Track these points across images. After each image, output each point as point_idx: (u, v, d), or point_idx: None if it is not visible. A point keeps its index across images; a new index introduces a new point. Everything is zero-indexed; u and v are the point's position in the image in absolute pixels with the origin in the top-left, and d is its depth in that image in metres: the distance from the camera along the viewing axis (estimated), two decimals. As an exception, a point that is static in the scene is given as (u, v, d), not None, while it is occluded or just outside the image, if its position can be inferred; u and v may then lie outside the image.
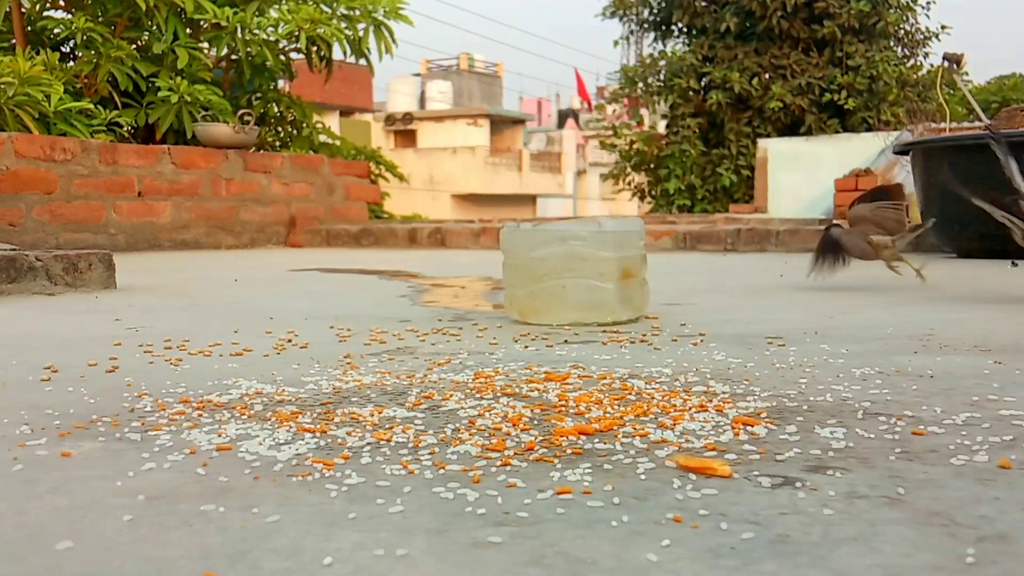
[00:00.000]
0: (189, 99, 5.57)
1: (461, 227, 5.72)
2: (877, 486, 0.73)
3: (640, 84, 11.51)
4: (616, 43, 12.32)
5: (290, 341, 1.62)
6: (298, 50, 6.20)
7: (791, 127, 10.63)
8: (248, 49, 5.95)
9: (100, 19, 5.73)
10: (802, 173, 8.73)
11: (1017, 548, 0.60)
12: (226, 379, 1.24)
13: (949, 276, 3.03)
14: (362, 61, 6.46)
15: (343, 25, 6.25)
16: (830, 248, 2.56)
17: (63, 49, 5.95)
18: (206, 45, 6.10)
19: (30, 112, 4.73)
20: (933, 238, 4.21)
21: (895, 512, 0.67)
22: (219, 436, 0.91)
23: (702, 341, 1.58)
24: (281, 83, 7.05)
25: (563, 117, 39.43)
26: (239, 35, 5.92)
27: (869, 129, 9.98)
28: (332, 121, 20.77)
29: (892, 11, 10.66)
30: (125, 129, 5.56)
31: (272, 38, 6.08)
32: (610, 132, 12.29)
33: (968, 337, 1.57)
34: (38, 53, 5.22)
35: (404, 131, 29.91)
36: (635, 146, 11.75)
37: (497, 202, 26.81)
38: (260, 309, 2.21)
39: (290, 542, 0.60)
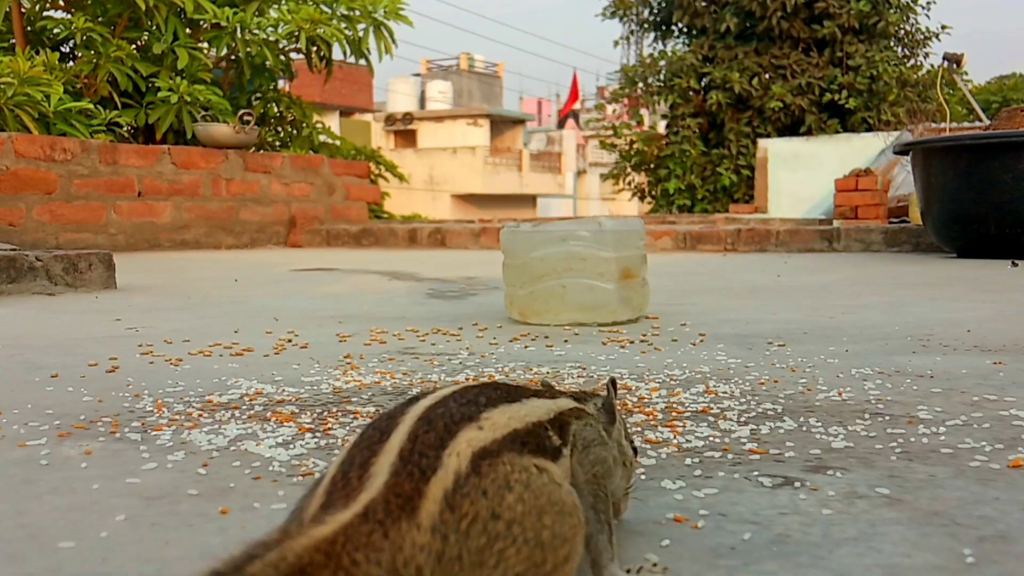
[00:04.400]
0: (189, 99, 5.57)
1: (461, 227, 5.72)
2: (877, 486, 0.73)
3: (640, 84, 11.51)
4: (616, 43, 12.33)
5: (290, 341, 1.62)
6: (298, 50, 6.20)
7: (791, 127, 10.63)
8: (248, 49, 5.95)
9: (100, 19, 5.73)
10: (802, 173, 8.73)
11: (1017, 548, 0.60)
12: (226, 379, 1.24)
13: (949, 276, 3.03)
14: (362, 61, 6.46)
15: (343, 25, 6.25)
16: None
17: (63, 49, 5.94)
18: (206, 45, 6.10)
19: (29, 112, 4.73)
20: (933, 238, 4.21)
21: (895, 512, 0.67)
22: (219, 436, 0.91)
23: (702, 341, 1.58)
24: (281, 83, 7.05)
25: (563, 117, 39.38)
26: (239, 35, 5.92)
27: (869, 129, 9.99)
28: (332, 121, 20.76)
29: (892, 11, 10.66)
30: (125, 129, 5.56)
31: (272, 38, 6.08)
32: (610, 132, 12.28)
33: (968, 337, 1.57)
34: (38, 53, 5.21)
35: (404, 131, 29.87)
36: (635, 146, 11.75)
37: (497, 202, 26.78)
38: (260, 309, 2.21)
39: (290, 542, 0.59)
